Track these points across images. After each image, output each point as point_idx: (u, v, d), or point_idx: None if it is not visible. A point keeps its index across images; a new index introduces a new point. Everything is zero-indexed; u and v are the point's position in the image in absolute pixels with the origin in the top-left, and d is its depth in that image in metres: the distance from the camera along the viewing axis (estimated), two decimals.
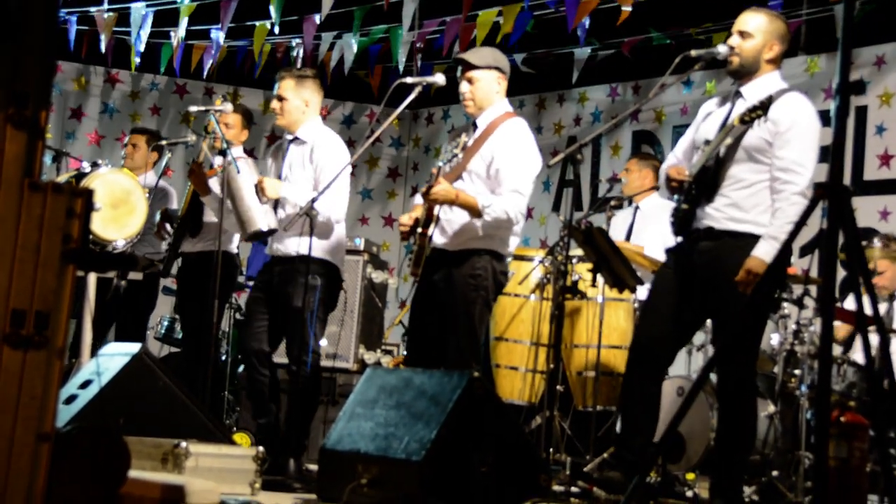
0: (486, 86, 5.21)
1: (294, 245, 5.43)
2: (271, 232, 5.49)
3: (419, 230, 5.07)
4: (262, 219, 5.43)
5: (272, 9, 8.74)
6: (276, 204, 5.54)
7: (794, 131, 4.56)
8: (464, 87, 5.23)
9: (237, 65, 9.75)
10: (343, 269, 5.70)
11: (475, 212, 5.01)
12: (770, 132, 4.56)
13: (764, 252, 4.51)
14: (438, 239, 5.11)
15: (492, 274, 5.10)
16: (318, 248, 5.43)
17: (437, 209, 5.05)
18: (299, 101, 5.61)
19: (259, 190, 5.44)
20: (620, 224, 7.07)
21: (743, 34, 4.70)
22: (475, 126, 5.25)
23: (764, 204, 4.59)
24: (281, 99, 5.62)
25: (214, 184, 5.91)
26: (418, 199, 5.21)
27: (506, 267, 5.23)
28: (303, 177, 5.52)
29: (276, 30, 8.89)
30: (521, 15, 8.33)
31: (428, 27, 8.89)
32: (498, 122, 5.19)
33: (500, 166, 5.08)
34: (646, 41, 8.48)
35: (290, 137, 5.68)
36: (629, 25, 8.14)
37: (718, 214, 4.64)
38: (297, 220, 5.27)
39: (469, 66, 5.21)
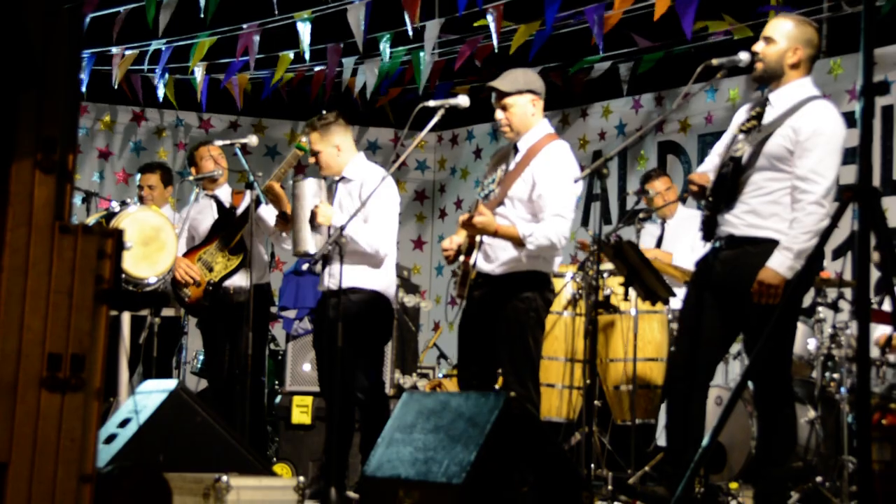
0: (521, 110, 5.12)
1: (345, 278, 5.39)
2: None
3: (462, 257, 5.09)
4: (311, 241, 5.53)
5: (301, 37, 8.72)
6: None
7: (814, 140, 4.50)
8: (499, 114, 5.15)
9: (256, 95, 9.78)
10: (394, 301, 5.79)
11: (517, 241, 4.97)
12: (791, 140, 4.52)
13: (778, 263, 4.45)
14: (483, 265, 5.09)
15: (540, 294, 5.08)
16: (369, 279, 5.57)
17: (478, 237, 5.05)
18: (331, 149, 5.70)
19: (313, 215, 5.51)
20: (650, 237, 7.06)
21: (768, 40, 4.67)
22: (516, 149, 5.18)
23: (783, 212, 4.54)
24: (315, 154, 5.73)
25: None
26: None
27: (552, 284, 5.20)
28: None
29: (307, 56, 8.88)
30: (540, 32, 8.30)
31: (446, 47, 8.87)
32: (539, 145, 5.11)
33: (542, 191, 5.01)
34: (666, 51, 8.45)
35: (337, 178, 5.76)
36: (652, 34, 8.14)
37: (738, 221, 4.60)
38: (326, 248, 5.33)
39: (501, 94, 5.13)
